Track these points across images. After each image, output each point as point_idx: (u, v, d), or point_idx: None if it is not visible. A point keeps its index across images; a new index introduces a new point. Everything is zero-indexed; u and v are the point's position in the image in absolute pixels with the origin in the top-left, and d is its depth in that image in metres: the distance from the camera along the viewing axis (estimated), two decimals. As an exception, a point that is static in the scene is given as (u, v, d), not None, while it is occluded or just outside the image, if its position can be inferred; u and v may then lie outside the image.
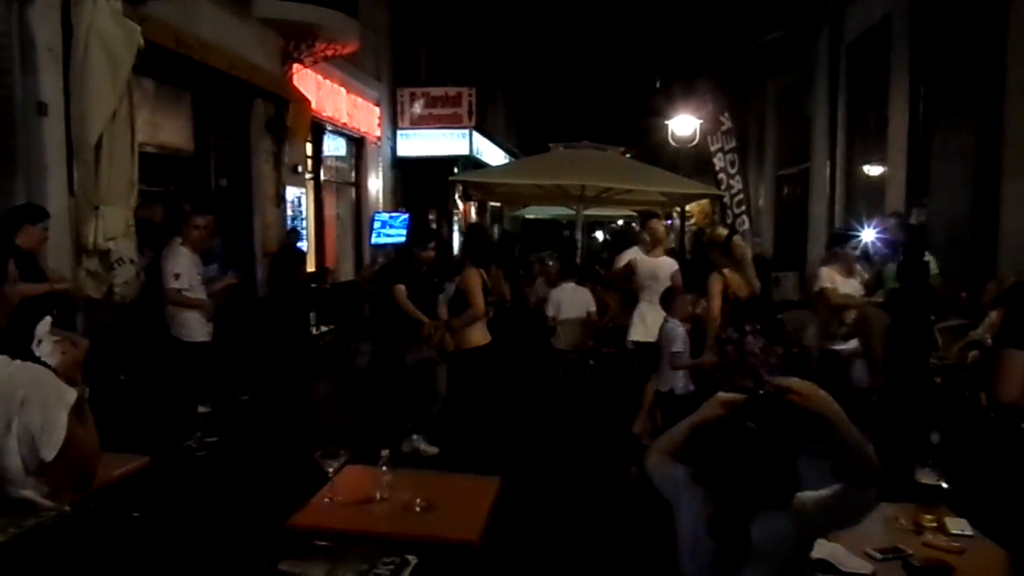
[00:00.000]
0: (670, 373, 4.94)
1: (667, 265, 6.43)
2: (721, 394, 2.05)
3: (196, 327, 5.63)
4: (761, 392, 2.00)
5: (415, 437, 5.59)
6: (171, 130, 7.77)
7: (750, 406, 1.97)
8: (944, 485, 2.59)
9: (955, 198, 7.16)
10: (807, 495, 1.94)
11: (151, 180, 6.80)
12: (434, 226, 17.13)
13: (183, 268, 5.55)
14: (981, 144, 6.80)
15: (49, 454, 1.86)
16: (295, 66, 9.74)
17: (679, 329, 4.93)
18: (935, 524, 2.53)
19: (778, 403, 1.93)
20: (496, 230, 23.51)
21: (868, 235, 6.34)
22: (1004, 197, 6.44)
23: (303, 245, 10.17)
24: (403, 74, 14.58)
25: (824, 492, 1.95)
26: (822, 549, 2.22)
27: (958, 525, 2.53)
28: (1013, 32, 6.40)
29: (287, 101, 9.17)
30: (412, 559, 2.15)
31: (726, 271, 5.09)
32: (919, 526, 2.53)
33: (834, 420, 1.92)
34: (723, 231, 6.03)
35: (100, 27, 5.30)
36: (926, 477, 2.59)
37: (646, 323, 6.12)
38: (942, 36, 6.77)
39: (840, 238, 6.55)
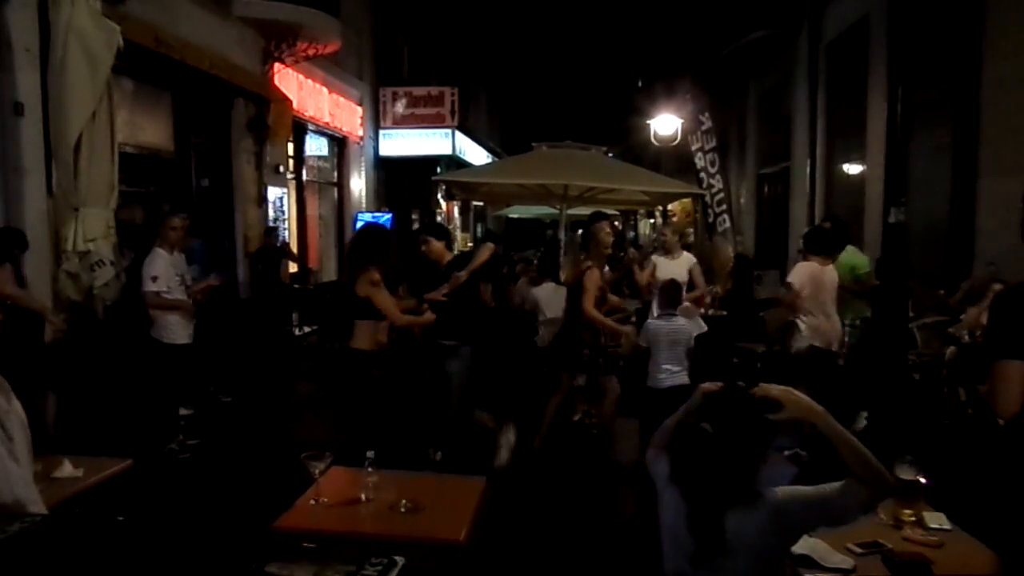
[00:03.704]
0: (653, 369, 5.14)
1: None
2: (703, 385, 2.03)
3: (177, 329, 5.60)
4: (738, 385, 1.98)
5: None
6: (151, 130, 7.70)
7: (714, 402, 1.95)
8: (923, 480, 2.63)
9: (933, 196, 7.25)
10: (788, 490, 1.93)
11: (131, 181, 6.75)
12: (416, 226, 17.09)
13: (160, 270, 5.52)
14: (958, 142, 6.88)
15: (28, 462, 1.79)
16: (276, 66, 9.68)
17: None
18: (914, 519, 2.57)
19: (750, 398, 1.93)
20: (480, 229, 23.51)
21: None
22: (980, 195, 6.54)
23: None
24: (385, 73, 14.52)
25: (813, 489, 1.92)
26: (804, 544, 2.25)
27: (936, 519, 2.58)
28: (989, 30, 6.49)
29: (268, 101, 9.11)
30: (400, 560, 2.14)
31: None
32: (898, 521, 2.57)
33: (823, 429, 1.89)
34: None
35: (78, 27, 5.24)
36: (905, 472, 2.62)
37: None
38: (919, 35, 6.85)
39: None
